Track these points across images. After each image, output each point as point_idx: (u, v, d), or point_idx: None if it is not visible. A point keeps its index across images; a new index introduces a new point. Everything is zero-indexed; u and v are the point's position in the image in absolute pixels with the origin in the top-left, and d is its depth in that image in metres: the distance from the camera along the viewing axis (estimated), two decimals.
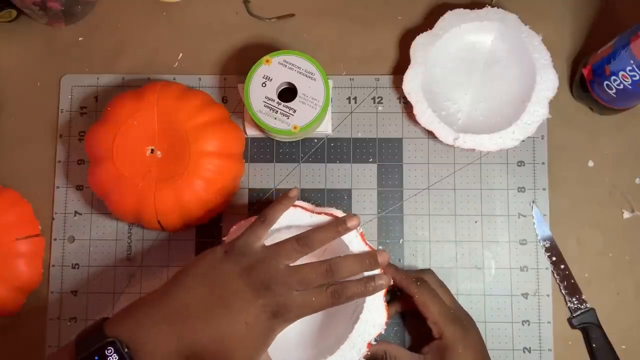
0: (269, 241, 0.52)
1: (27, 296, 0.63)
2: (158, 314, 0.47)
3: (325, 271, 0.50)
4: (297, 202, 0.56)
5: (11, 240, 0.61)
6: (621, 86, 0.58)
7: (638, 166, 0.64)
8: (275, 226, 0.54)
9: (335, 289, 0.50)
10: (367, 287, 0.51)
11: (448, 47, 0.63)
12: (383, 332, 0.54)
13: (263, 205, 0.63)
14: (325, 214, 0.55)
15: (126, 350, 0.45)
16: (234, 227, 0.57)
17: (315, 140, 0.65)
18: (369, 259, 0.52)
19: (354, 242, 0.55)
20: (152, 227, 0.60)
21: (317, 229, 0.52)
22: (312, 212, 0.55)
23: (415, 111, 0.62)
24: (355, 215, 0.53)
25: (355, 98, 0.65)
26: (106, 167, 0.58)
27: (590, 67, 0.61)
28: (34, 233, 0.63)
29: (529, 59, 0.62)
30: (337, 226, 0.53)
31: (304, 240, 0.51)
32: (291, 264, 0.51)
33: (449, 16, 0.63)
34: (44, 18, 0.65)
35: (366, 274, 0.53)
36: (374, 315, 0.54)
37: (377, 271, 0.53)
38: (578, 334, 0.62)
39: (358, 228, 0.54)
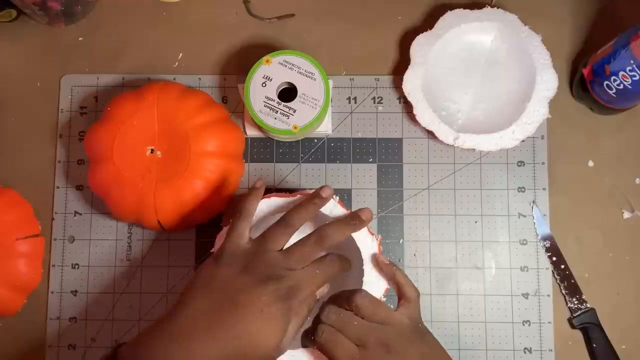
0: (256, 234, 0.52)
1: (27, 296, 0.63)
2: (165, 333, 0.46)
3: (315, 241, 0.51)
4: (270, 194, 0.57)
5: (11, 240, 0.61)
6: (621, 86, 0.58)
7: (638, 166, 0.64)
8: (258, 217, 0.55)
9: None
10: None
11: (448, 47, 0.63)
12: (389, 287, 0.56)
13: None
14: (301, 194, 0.56)
15: None
16: (218, 237, 0.57)
17: (315, 140, 0.65)
18: (353, 218, 0.53)
19: (335, 211, 0.55)
20: (152, 227, 0.60)
21: (294, 207, 0.53)
22: (288, 196, 0.56)
23: (415, 111, 0.62)
24: (326, 185, 0.55)
25: (355, 98, 0.65)
26: (106, 167, 0.58)
27: (590, 67, 0.61)
28: (34, 233, 0.63)
29: (528, 59, 0.62)
30: (313, 199, 0.53)
31: (285, 221, 0.51)
32: (284, 247, 0.51)
33: (449, 16, 0.63)
34: (44, 18, 0.65)
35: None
36: (373, 276, 0.55)
37: (371, 238, 0.55)
38: (578, 334, 0.62)
39: (334, 197, 0.55)
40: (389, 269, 0.54)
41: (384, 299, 0.55)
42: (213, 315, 0.46)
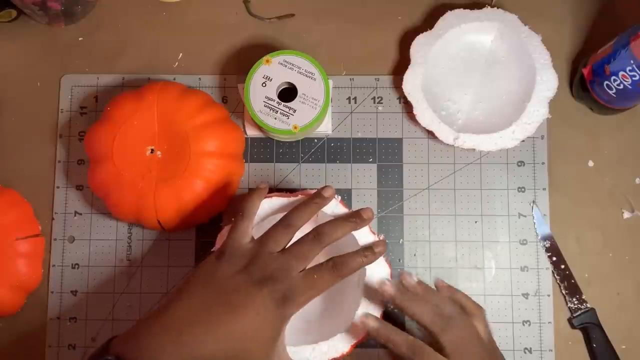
0: (257, 234, 0.53)
1: (27, 296, 0.63)
2: (157, 326, 0.46)
3: (313, 238, 0.50)
4: (272, 193, 0.57)
5: (11, 240, 0.61)
6: (621, 86, 0.58)
7: (638, 166, 0.64)
8: (259, 216, 0.55)
9: (336, 262, 0.50)
10: (367, 256, 0.51)
11: (448, 47, 0.63)
12: None
13: None
14: (302, 194, 0.56)
15: None
16: (218, 237, 0.57)
17: (315, 140, 0.65)
18: (352, 216, 0.53)
19: (337, 210, 0.55)
20: (152, 227, 0.60)
21: (296, 207, 0.53)
22: (289, 196, 0.56)
23: (415, 111, 0.62)
24: (328, 185, 0.54)
25: (355, 98, 0.65)
26: (106, 167, 0.58)
27: (590, 67, 0.61)
28: (34, 233, 0.63)
29: (528, 59, 0.62)
30: (314, 199, 0.53)
31: (286, 221, 0.51)
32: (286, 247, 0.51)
33: (449, 16, 0.63)
34: (44, 18, 0.65)
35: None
36: (376, 271, 0.55)
37: (373, 237, 0.55)
38: (578, 334, 0.62)
39: (336, 196, 0.55)
40: (449, 291, 0.56)
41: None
42: (208, 312, 0.46)
